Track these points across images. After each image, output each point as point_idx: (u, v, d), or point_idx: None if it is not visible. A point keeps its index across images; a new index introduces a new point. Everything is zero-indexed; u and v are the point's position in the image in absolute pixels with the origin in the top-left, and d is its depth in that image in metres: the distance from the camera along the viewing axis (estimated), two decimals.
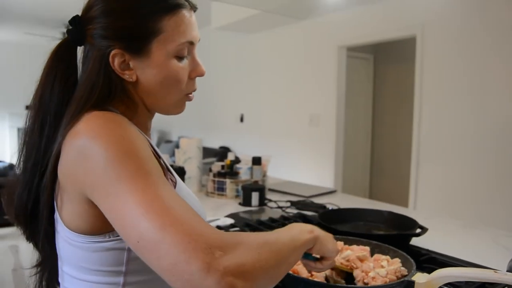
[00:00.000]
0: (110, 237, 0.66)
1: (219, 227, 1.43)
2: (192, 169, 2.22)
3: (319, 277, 0.92)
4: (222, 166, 2.22)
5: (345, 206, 1.73)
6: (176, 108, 0.80)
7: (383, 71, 5.16)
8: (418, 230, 1.27)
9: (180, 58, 0.74)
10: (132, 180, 0.57)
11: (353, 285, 0.85)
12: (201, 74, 0.79)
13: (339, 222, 1.42)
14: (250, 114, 5.61)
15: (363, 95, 5.15)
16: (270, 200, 2.00)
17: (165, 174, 0.71)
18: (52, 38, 6.55)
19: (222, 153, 5.26)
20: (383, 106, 5.17)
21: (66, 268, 0.71)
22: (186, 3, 0.75)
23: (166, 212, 0.54)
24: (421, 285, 0.81)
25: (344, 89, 4.40)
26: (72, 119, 0.67)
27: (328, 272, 0.94)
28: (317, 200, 2.03)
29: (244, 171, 2.16)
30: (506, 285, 0.93)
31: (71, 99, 0.71)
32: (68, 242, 0.69)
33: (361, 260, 0.96)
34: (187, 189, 0.81)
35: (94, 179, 0.59)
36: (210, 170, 2.22)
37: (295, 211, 1.80)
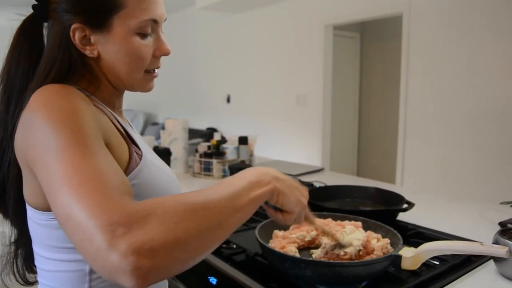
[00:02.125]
0: None
1: None
2: (178, 150, 2.19)
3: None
4: (209, 147, 2.19)
5: (332, 184, 1.72)
6: (140, 86, 0.78)
7: (370, 49, 5.13)
8: (405, 205, 1.26)
9: (143, 35, 0.73)
10: (61, 152, 0.55)
11: (340, 261, 0.84)
12: (166, 53, 0.77)
13: (326, 200, 1.42)
14: (237, 95, 5.56)
15: (350, 74, 5.13)
16: None
17: (129, 147, 0.71)
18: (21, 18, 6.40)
19: (209, 134, 5.23)
20: (370, 84, 5.16)
21: (36, 248, 0.72)
22: None
23: (82, 185, 0.51)
24: (408, 259, 0.81)
25: (330, 68, 4.37)
26: (35, 89, 0.66)
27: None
28: (305, 178, 2.02)
29: (230, 151, 2.14)
30: (492, 257, 0.94)
31: (35, 74, 0.71)
32: (33, 221, 0.69)
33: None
34: (157, 163, 0.79)
35: (34, 151, 0.59)
36: (196, 151, 2.20)
37: None
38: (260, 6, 4.90)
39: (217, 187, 0.59)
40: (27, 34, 0.74)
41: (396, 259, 0.82)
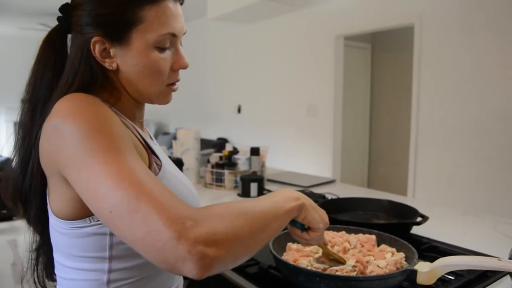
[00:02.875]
0: (91, 222, 0.67)
1: None
2: (190, 160, 2.20)
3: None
4: (220, 157, 2.20)
5: (344, 196, 1.72)
6: (159, 98, 0.79)
7: (381, 60, 5.13)
8: (419, 219, 1.26)
9: (161, 49, 0.74)
10: (104, 153, 0.58)
11: (356, 275, 0.84)
12: (184, 67, 0.78)
13: (338, 212, 1.41)
14: (248, 105, 5.58)
15: (361, 84, 5.13)
16: (269, 191, 1.99)
17: (149, 157, 0.73)
18: (44, 31, 6.50)
19: (220, 144, 5.24)
20: (381, 95, 5.15)
21: (56, 256, 0.73)
22: None
23: (140, 183, 0.55)
24: (424, 274, 0.80)
25: (341, 79, 4.37)
26: (57, 97, 0.68)
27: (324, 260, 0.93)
28: (316, 190, 2.01)
29: (242, 161, 2.15)
30: (508, 272, 0.93)
31: (57, 86, 0.73)
32: (55, 229, 0.71)
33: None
34: (176, 174, 0.81)
35: (67, 156, 0.60)
36: (208, 161, 2.21)
37: None
38: (271, 17, 4.93)
39: (258, 199, 0.67)
40: (52, 45, 0.76)
41: (411, 274, 0.81)
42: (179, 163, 2.04)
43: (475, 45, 3.07)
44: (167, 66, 0.75)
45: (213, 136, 6.12)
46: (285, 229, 0.79)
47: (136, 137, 0.74)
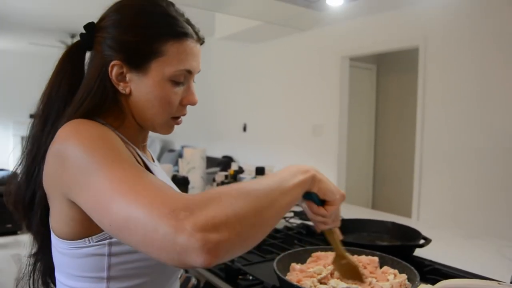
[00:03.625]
0: (90, 242, 0.69)
1: None
2: (196, 179, 2.23)
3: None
4: (226, 176, 2.23)
5: (348, 217, 1.73)
6: (162, 128, 0.81)
7: (386, 81, 5.17)
8: (422, 241, 1.27)
9: (175, 83, 0.77)
10: (102, 169, 0.59)
11: None
12: (193, 103, 0.81)
13: (342, 233, 1.42)
14: (253, 123, 5.62)
15: (366, 105, 5.16)
16: None
17: None
18: (55, 47, 6.60)
19: (225, 162, 5.27)
20: (386, 116, 5.18)
21: (57, 275, 0.75)
22: (194, 34, 0.78)
23: (133, 190, 0.55)
24: None
25: (347, 99, 4.41)
26: (65, 123, 0.71)
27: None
28: None
29: (247, 181, 2.17)
30: None
31: (71, 102, 0.75)
32: (56, 249, 0.73)
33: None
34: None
35: (70, 176, 0.62)
36: (214, 180, 2.23)
37: (298, 221, 1.80)
38: (277, 37, 5.00)
39: (264, 178, 0.65)
40: (71, 60, 0.79)
41: None
42: (185, 181, 2.06)
43: (479, 67, 3.11)
44: (177, 100, 0.78)
45: (218, 154, 6.15)
46: (288, 248, 0.80)
47: (135, 158, 0.76)
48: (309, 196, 0.77)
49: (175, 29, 0.75)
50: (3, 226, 4.54)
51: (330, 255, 1.06)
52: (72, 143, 0.63)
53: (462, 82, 3.23)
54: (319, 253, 1.08)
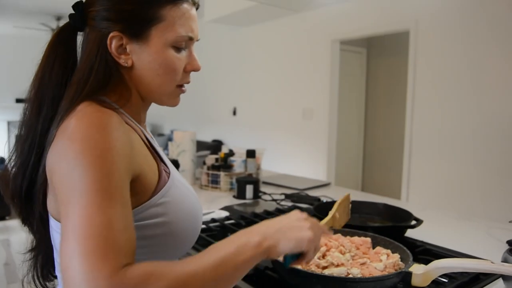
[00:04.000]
0: None
1: (214, 220, 1.43)
2: (186, 162, 2.21)
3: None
4: (216, 159, 2.21)
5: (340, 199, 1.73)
6: (169, 99, 0.80)
7: (376, 64, 5.16)
8: (413, 222, 1.27)
9: (177, 49, 0.75)
10: (83, 194, 0.56)
11: (359, 277, 0.85)
12: (197, 69, 0.80)
13: None
14: (243, 107, 5.59)
15: (356, 88, 5.16)
16: (265, 193, 2.00)
17: (158, 166, 0.73)
18: (41, 30, 6.44)
19: (215, 146, 5.25)
20: (376, 99, 5.18)
21: (57, 256, 0.74)
22: None
23: (87, 240, 0.52)
24: (419, 276, 0.82)
25: (337, 83, 4.40)
26: (70, 105, 0.67)
27: None
28: (311, 193, 2.03)
29: (238, 164, 2.15)
30: (501, 275, 0.94)
31: (70, 82, 0.72)
32: (54, 230, 0.70)
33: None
34: (182, 180, 0.81)
35: (60, 180, 0.60)
36: (204, 163, 2.21)
37: (289, 203, 1.80)
38: (267, 20, 4.95)
39: (205, 255, 0.59)
40: (63, 42, 0.75)
41: (406, 276, 0.82)
42: (175, 164, 2.04)
43: (470, 50, 3.11)
44: (181, 66, 0.76)
45: (208, 138, 6.13)
46: None
47: (145, 143, 0.74)
48: (286, 259, 0.72)
49: None
50: None
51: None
52: (76, 148, 0.59)
53: (452, 65, 3.24)
54: None
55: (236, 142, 5.56)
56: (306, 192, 2.07)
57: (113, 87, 0.73)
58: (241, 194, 1.94)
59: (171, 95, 0.79)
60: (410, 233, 1.29)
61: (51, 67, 0.73)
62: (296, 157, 4.78)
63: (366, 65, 5.22)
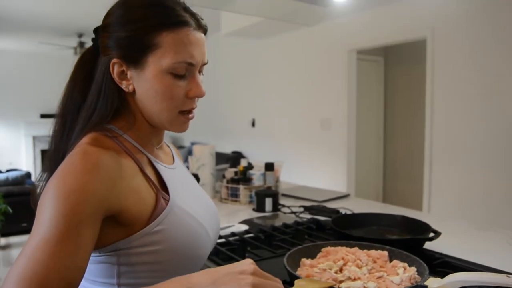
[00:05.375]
0: (100, 253, 0.71)
1: (233, 234, 1.46)
2: (206, 175, 2.25)
3: None
4: (235, 172, 2.24)
5: (359, 211, 1.74)
6: (172, 125, 0.80)
7: (394, 73, 5.15)
8: (431, 234, 1.27)
9: (176, 75, 0.75)
10: (38, 228, 0.60)
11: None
12: (199, 95, 0.79)
13: (352, 227, 1.44)
14: (262, 119, 5.63)
15: (374, 97, 5.14)
16: (284, 206, 2.02)
17: (156, 194, 0.74)
18: (64, 47, 6.62)
19: (234, 158, 5.29)
20: (395, 108, 5.16)
21: None
22: (192, 22, 0.76)
23: (23, 271, 0.55)
24: None
25: (354, 93, 4.40)
26: (79, 134, 0.72)
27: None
28: (330, 205, 2.04)
29: (257, 177, 2.18)
30: None
31: (83, 105, 0.77)
32: None
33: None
34: (185, 208, 0.80)
35: (38, 210, 0.63)
36: (224, 177, 2.25)
37: (308, 216, 1.81)
38: (284, 31, 4.99)
39: None
40: (83, 65, 0.79)
41: None
42: (196, 178, 2.08)
43: (487, 58, 3.08)
44: (180, 93, 0.76)
45: (228, 149, 6.18)
46: (299, 243, 0.80)
47: (144, 174, 0.75)
48: None
49: (169, 19, 0.73)
50: (19, 225, 4.62)
51: (340, 250, 1.07)
52: (53, 184, 0.64)
53: (470, 73, 3.21)
54: (329, 248, 1.09)
55: (255, 153, 5.60)
56: (325, 204, 2.08)
57: (120, 111, 0.77)
58: (260, 207, 1.96)
59: (173, 121, 0.79)
60: (429, 245, 1.29)
61: (72, 89, 0.79)
62: (316, 168, 4.78)
63: (383, 74, 5.20)
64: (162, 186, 0.78)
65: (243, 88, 5.94)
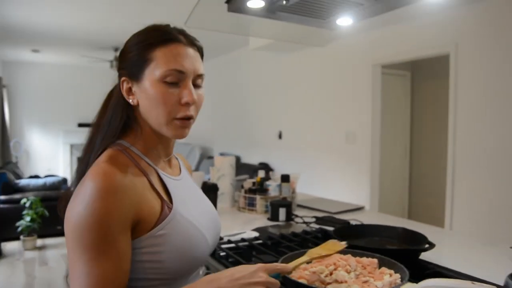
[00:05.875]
0: None
1: (243, 240, 1.57)
2: (225, 185, 2.37)
3: None
4: (253, 183, 2.35)
5: (368, 223, 1.81)
6: (169, 130, 0.88)
7: (421, 87, 5.15)
8: (426, 246, 1.34)
9: (169, 83, 0.86)
10: (83, 253, 0.73)
11: None
12: (188, 101, 0.86)
13: (355, 238, 1.52)
14: (288, 131, 5.74)
15: (400, 112, 5.15)
16: (297, 216, 2.12)
17: (162, 203, 0.86)
18: (101, 60, 6.96)
19: (260, 169, 5.41)
20: (422, 122, 5.14)
21: None
22: (182, 38, 0.89)
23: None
24: None
25: (379, 107, 4.45)
26: (100, 147, 0.87)
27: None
28: (343, 217, 2.11)
29: (273, 188, 2.29)
30: None
31: (103, 119, 0.92)
32: None
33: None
34: (187, 217, 0.90)
35: (69, 228, 0.77)
36: (242, 187, 2.37)
37: (317, 226, 1.90)
38: (309, 46, 5.10)
39: None
40: (115, 87, 0.94)
41: None
42: (214, 188, 2.21)
43: (510, 73, 3.08)
44: (172, 99, 0.86)
45: (255, 161, 6.30)
46: (297, 248, 0.90)
47: (152, 185, 0.86)
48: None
49: (161, 37, 0.87)
50: (54, 227, 4.89)
51: (333, 256, 1.16)
52: (82, 207, 0.75)
53: (493, 89, 3.22)
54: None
55: (281, 165, 5.69)
56: (339, 215, 2.16)
57: (130, 126, 0.91)
58: (274, 217, 2.07)
59: (169, 126, 0.88)
60: (428, 257, 1.36)
61: (105, 104, 0.94)
62: (340, 180, 4.83)
63: (410, 88, 5.21)
64: (167, 195, 0.90)
65: (271, 101, 6.07)
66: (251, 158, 6.39)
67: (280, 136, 5.88)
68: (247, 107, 6.62)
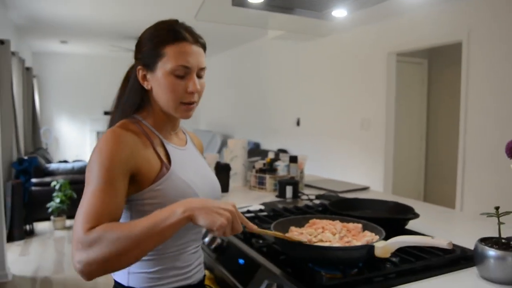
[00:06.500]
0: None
1: (249, 211, 1.74)
2: (238, 166, 2.54)
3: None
4: (264, 164, 2.51)
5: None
6: (177, 112, 1.07)
7: (438, 75, 5.18)
8: (411, 216, 1.48)
9: (177, 76, 1.03)
10: (92, 183, 0.91)
11: (324, 245, 1.10)
12: (192, 90, 1.04)
13: (350, 210, 1.66)
14: (306, 118, 5.86)
15: (417, 99, 5.20)
16: (303, 194, 2.27)
17: (161, 164, 1.03)
18: (125, 49, 7.15)
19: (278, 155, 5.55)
20: (438, 110, 5.18)
21: None
22: (189, 38, 1.05)
23: (84, 211, 0.87)
24: (379, 248, 1.06)
25: (394, 94, 4.52)
26: (116, 120, 1.06)
27: None
28: (347, 196, 2.25)
29: (282, 168, 2.44)
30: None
31: (121, 100, 1.12)
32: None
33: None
34: (183, 178, 1.06)
35: (87, 169, 0.95)
36: (254, 167, 2.53)
37: (318, 201, 2.05)
38: (326, 34, 5.18)
39: (145, 219, 0.86)
40: (128, 73, 1.14)
41: (370, 248, 1.06)
42: (226, 168, 2.37)
43: None
44: (180, 89, 1.04)
45: (273, 147, 6.45)
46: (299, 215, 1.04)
47: (154, 149, 1.04)
48: None
49: (172, 36, 1.03)
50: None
51: (323, 222, 1.32)
52: (97, 149, 0.95)
53: (506, 76, 3.26)
54: (314, 220, 1.33)
55: (299, 151, 5.82)
56: (343, 194, 2.30)
57: (143, 105, 1.10)
58: (282, 194, 2.22)
59: (177, 109, 1.06)
60: (418, 228, 1.50)
61: (121, 88, 1.14)
62: (354, 166, 4.94)
63: (427, 76, 5.25)
64: (168, 159, 1.07)
65: (289, 89, 6.19)
66: (270, 145, 6.54)
67: (298, 123, 6.00)
68: (266, 96, 6.75)
